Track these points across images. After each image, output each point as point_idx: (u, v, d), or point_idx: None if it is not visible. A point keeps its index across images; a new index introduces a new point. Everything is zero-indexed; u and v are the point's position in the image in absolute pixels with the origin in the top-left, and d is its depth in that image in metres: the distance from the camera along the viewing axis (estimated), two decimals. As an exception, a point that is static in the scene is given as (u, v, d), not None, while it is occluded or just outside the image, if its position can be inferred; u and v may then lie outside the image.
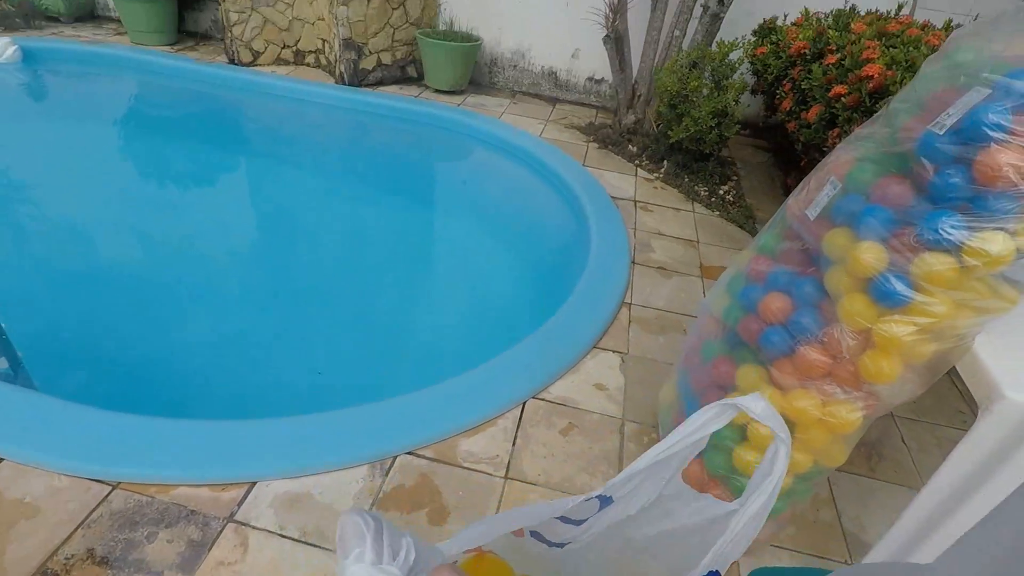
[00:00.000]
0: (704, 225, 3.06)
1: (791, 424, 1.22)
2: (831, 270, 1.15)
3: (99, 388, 1.98)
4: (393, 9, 4.05)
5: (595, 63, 4.30)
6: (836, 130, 2.44)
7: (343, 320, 2.47)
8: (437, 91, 4.26)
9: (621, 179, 3.42)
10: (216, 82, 4.12)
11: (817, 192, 1.22)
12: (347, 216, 3.21)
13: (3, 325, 1.96)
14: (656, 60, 3.57)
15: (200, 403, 1.95)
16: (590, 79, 4.37)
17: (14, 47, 3.99)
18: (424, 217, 3.34)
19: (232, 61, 4.29)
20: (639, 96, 3.71)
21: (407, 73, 4.39)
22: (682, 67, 3.19)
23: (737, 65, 3.18)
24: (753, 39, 3.51)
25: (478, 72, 4.50)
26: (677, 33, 3.44)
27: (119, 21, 4.96)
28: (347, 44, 3.96)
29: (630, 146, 3.72)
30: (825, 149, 2.54)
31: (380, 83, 4.27)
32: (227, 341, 2.28)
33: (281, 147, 3.77)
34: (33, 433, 1.53)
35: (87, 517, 1.38)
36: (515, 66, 4.45)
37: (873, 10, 3.28)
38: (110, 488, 1.45)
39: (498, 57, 4.43)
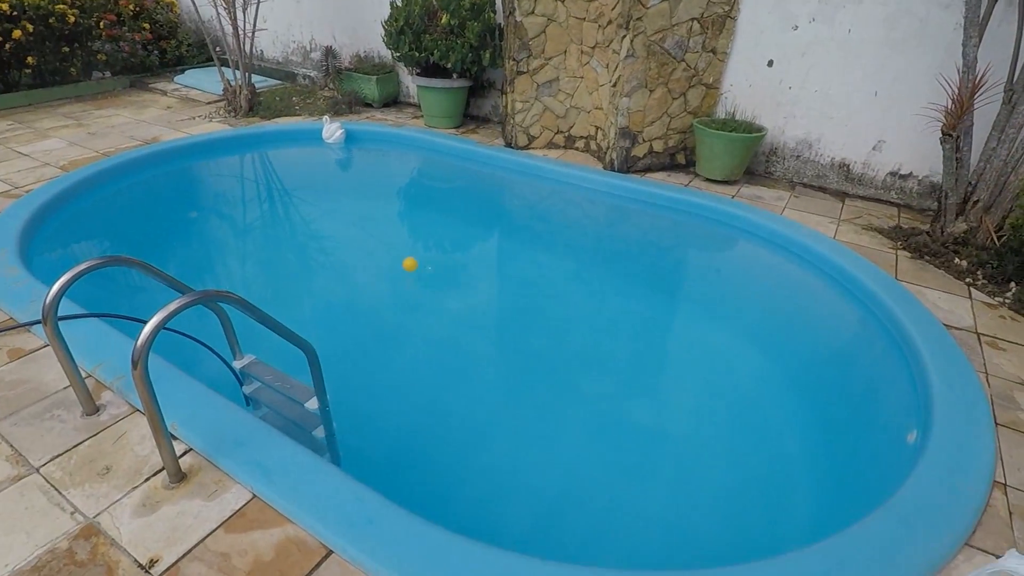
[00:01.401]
0: (1093, 381, 2.31)
1: None
2: None
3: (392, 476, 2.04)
4: (674, 99, 3.97)
5: (901, 156, 3.71)
6: None
7: (586, 423, 2.29)
8: (708, 180, 4.04)
9: (950, 301, 2.80)
10: (497, 164, 4.42)
11: None
12: (626, 316, 3.07)
13: (329, 397, 2.13)
14: (1008, 161, 2.91)
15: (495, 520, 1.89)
16: (893, 174, 3.78)
17: (341, 130, 4.75)
18: (693, 325, 3.02)
19: (509, 144, 4.59)
20: (976, 201, 3.06)
21: (676, 160, 4.26)
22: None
23: None
24: None
25: (754, 161, 4.19)
26: (1046, 130, 2.78)
27: (416, 106, 5.70)
28: (623, 132, 3.96)
29: (957, 259, 3.06)
30: None
31: (648, 170, 4.20)
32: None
33: (560, 232, 3.86)
34: (358, 529, 1.55)
35: (404, 646, 1.32)
36: (799, 156, 4.05)
37: None
38: (424, 614, 1.38)
39: (780, 146, 4.08)
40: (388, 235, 3.80)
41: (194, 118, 5.17)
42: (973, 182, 3.10)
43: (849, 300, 2.89)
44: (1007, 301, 2.78)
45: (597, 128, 4.35)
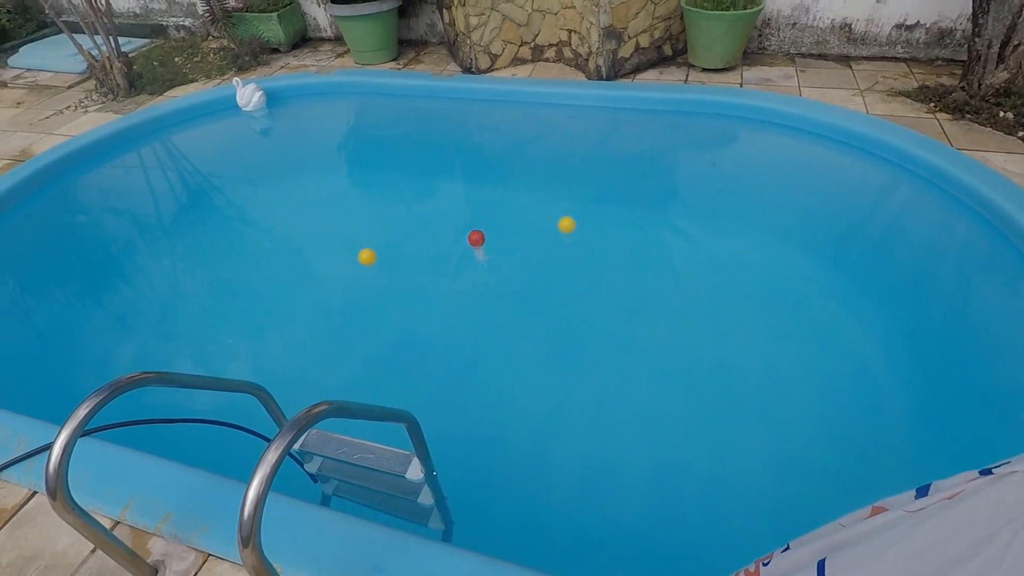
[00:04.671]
0: None
1: None
2: None
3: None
4: (656, -19, 3.42)
5: (907, 5, 3.40)
6: None
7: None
8: (706, 70, 3.61)
9: (1018, 163, 2.62)
10: (463, 96, 3.76)
11: None
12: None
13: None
14: (1054, -7, 2.66)
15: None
16: (899, 26, 3.48)
17: (259, 92, 3.88)
18: (761, 245, 2.59)
19: (468, 69, 3.92)
20: (1017, 45, 2.83)
21: (663, 53, 3.77)
22: None
23: None
24: None
25: (745, 39, 3.77)
26: (1098, -49, 2.52)
27: (333, 40, 4.79)
28: (608, 33, 3.40)
29: (1002, 112, 2.87)
30: None
31: (636, 71, 3.70)
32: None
33: (564, 165, 3.29)
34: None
35: None
36: (795, 24, 3.66)
37: None
38: None
39: (773, 16, 3.67)
40: (356, 216, 3.10)
41: (62, 111, 4.09)
42: (1008, 23, 2.86)
43: (922, 186, 2.65)
44: (1070, 151, 2.64)
45: (571, 32, 3.75)
